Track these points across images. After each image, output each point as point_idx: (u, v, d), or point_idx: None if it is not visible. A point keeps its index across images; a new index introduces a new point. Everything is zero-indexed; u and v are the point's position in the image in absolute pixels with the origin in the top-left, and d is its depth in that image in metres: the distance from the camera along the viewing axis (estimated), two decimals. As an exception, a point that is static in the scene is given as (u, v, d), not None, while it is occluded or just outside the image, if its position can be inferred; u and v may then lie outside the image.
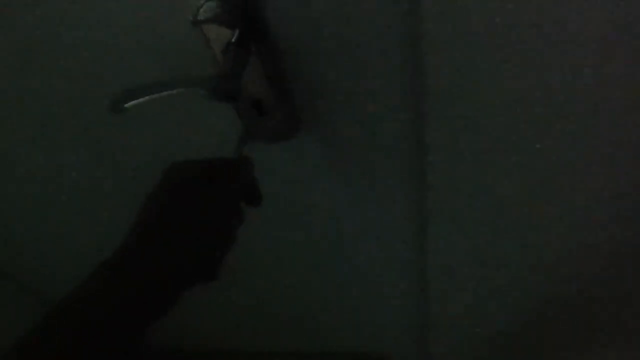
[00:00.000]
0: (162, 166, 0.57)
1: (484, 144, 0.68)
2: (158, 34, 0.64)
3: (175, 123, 0.75)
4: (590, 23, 0.54)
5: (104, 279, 0.48)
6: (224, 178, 0.57)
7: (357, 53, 0.61)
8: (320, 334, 1.24)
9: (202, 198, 0.55)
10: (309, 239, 0.92)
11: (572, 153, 0.67)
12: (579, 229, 0.78)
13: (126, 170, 0.87)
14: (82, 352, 0.43)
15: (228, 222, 0.56)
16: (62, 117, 0.79)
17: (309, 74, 0.65)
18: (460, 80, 0.62)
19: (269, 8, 0.60)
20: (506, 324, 1.04)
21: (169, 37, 0.64)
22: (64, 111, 0.78)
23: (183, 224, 0.53)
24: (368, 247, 0.91)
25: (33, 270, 1.20)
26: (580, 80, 0.59)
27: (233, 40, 0.60)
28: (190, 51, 0.63)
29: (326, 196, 0.82)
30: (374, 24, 0.58)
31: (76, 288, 0.47)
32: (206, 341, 1.38)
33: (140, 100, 0.56)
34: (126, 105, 0.56)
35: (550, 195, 0.74)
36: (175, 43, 0.64)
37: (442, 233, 0.84)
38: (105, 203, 0.95)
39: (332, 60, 0.62)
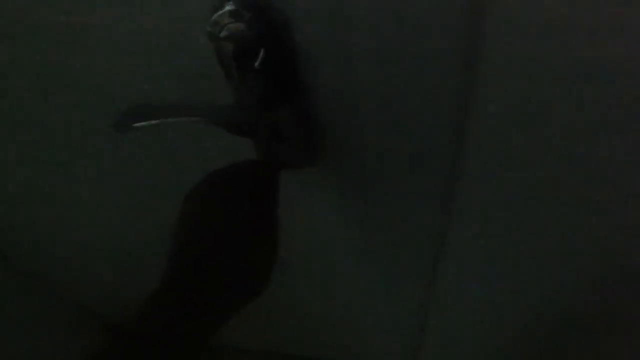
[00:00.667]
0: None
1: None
2: (176, 49, 0.58)
3: (188, 136, 0.71)
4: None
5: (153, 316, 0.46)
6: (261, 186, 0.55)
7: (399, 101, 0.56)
8: (320, 344, 1.23)
9: (243, 214, 0.52)
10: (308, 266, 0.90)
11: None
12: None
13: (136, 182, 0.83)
14: None
15: (272, 235, 0.54)
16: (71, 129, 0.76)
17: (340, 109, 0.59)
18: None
19: (296, 29, 0.55)
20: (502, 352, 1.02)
21: (187, 55, 0.58)
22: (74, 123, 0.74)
23: (232, 246, 0.50)
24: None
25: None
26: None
27: (256, 64, 0.54)
28: (208, 71, 0.58)
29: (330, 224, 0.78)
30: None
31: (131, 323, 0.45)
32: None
33: (149, 122, 0.52)
34: (134, 125, 0.52)
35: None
36: (193, 62, 0.59)
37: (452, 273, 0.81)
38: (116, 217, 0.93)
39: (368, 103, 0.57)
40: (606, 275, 0.76)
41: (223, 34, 0.54)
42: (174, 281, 0.48)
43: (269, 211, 0.55)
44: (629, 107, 0.51)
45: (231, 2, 0.53)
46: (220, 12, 0.54)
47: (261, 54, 0.55)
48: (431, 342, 1.05)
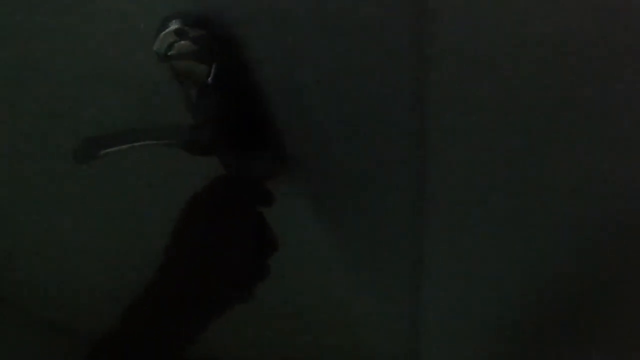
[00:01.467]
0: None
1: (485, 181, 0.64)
2: (128, 72, 0.57)
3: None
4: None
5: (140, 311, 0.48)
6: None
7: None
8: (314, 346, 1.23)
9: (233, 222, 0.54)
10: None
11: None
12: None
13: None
14: None
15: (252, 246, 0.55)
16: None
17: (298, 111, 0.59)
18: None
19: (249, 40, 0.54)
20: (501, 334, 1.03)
21: (139, 75, 0.57)
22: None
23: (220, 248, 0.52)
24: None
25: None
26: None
27: (209, 80, 0.54)
28: (162, 91, 0.57)
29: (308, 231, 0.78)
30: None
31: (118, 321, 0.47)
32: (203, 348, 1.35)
33: (107, 150, 0.51)
34: (93, 155, 0.51)
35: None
36: (145, 82, 0.58)
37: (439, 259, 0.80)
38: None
39: (326, 104, 0.57)
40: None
41: (171, 52, 0.53)
42: (157, 287, 0.50)
43: (245, 223, 0.55)
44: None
45: (175, 21, 0.53)
46: (166, 31, 0.53)
47: (213, 69, 0.54)
48: (427, 329, 1.05)
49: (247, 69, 0.55)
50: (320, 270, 0.88)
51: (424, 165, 0.61)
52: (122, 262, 0.96)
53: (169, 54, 0.53)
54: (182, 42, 0.52)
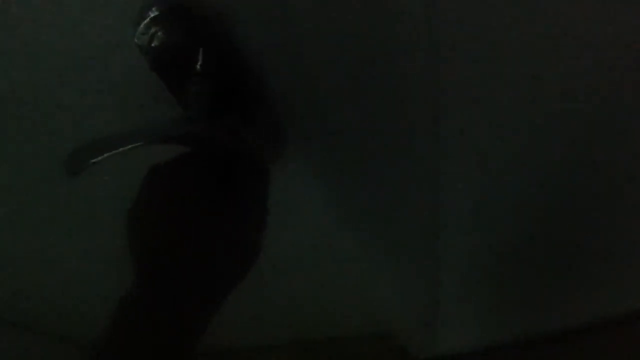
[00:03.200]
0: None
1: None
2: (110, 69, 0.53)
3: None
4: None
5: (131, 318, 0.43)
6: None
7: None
8: (321, 318, 1.21)
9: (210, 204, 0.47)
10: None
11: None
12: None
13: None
14: None
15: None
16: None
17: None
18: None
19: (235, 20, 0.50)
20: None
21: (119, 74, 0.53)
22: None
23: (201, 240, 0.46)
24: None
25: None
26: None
27: (198, 66, 0.50)
28: (146, 86, 0.53)
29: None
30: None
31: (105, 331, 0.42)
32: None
33: (100, 158, 0.48)
34: (85, 165, 0.48)
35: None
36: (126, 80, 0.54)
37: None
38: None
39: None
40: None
41: (154, 43, 0.50)
42: (146, 283, 0.45)
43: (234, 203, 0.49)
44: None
45: (154, 9, 0.49)
46: (145, 21, 0.49)
47: (200, 55, 0.51)
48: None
49: (236, 50, 0.52)
50: (328, 248, 0.86)
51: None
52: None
53: (152, 45, 0.50)
54: (164, 30, 0.48)
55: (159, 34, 0.49)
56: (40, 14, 0.50)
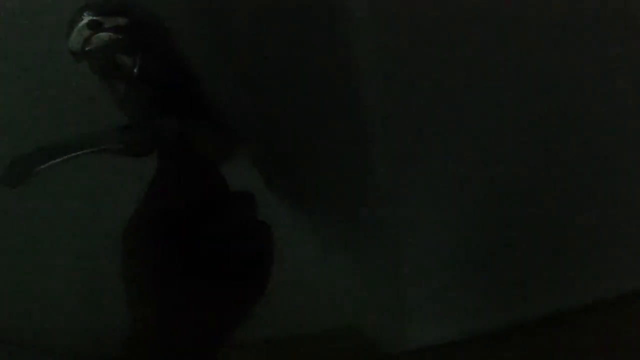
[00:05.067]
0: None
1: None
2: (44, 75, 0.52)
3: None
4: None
5: None
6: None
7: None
8: (290, 317, 1.22)
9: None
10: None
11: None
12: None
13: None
14: None
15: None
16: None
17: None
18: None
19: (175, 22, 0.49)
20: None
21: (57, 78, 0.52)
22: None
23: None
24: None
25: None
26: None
27: (135, 70, 0.49)
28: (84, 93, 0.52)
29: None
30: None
31: None
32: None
33: (39, 168, 0.47)
34: (26, 176, 0.47)
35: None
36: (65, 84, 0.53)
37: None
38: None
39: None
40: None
41: (89, 48, 0.48)
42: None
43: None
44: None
45: (88, 12, 0.48)
46: (79, 25, 0.48)
47: (138, 60, 0.50)
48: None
49: (176, 54, 0.51)
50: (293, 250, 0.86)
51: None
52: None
53: (86, 49, 0.48)
54: (99, 34, 0.47)
55: (94, 37, 0.48)
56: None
